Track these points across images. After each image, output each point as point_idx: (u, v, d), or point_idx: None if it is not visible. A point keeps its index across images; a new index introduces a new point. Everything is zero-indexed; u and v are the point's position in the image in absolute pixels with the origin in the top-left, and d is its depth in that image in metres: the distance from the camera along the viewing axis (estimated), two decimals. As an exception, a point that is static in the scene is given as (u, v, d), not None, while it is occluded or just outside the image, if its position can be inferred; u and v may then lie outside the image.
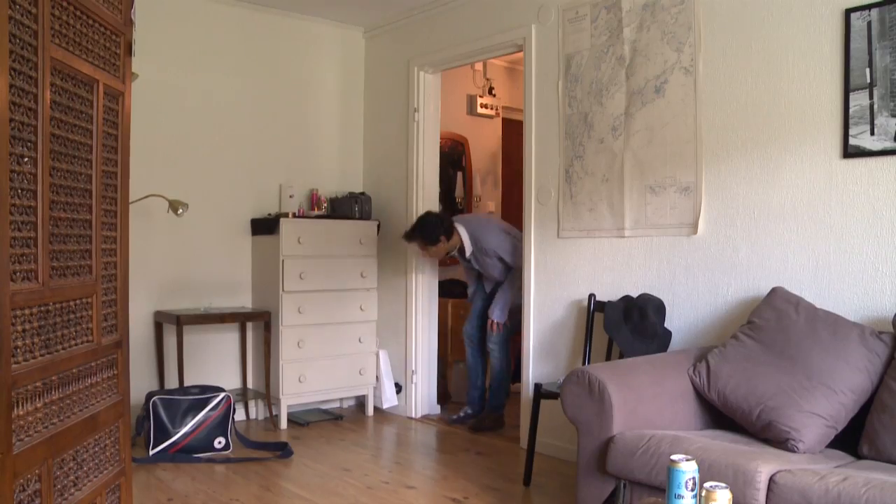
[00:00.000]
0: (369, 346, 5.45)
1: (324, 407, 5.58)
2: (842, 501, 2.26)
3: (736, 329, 3.30)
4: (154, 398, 4.34)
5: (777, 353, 3.02)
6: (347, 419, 5.35)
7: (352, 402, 5.73)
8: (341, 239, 5.28)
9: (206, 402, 4.43)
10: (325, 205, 5.50)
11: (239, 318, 5.09)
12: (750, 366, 3.04)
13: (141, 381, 4.72)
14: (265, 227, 5.20)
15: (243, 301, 5.37)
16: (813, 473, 2.42)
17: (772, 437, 2.86)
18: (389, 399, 5.46)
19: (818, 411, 2.81)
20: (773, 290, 3.27)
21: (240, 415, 5.22)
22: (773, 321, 3.13)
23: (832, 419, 2.82)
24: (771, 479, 2.46)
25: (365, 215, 5.50)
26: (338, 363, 5.31)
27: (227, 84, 5.25)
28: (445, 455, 4.53)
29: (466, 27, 5.04)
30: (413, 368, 5.41)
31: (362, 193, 5.57)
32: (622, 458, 2.81)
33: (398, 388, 5.50)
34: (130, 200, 2.64)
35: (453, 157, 6.62)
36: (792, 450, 2.77)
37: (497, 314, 4.98)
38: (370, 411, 5.50)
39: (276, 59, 5.48)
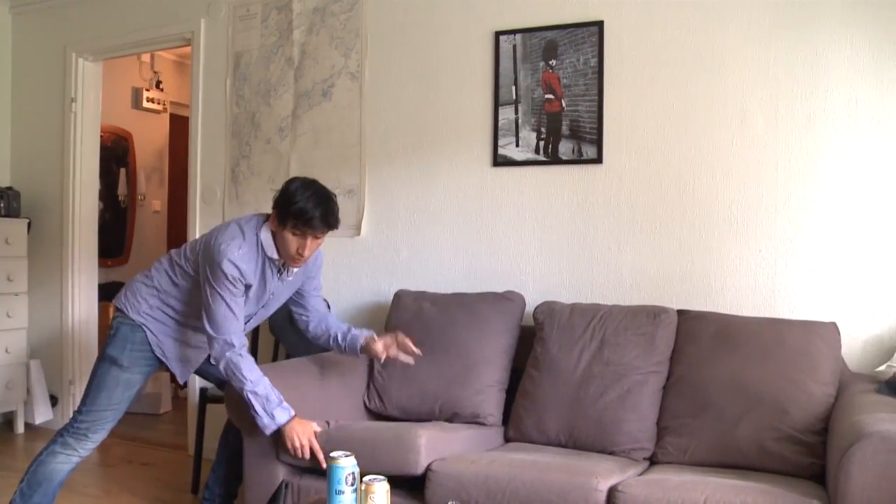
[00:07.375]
0: (18, 357, 4.95)
1: (-37, 427, 5.00)
2: (489, 483, 2.46)
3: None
4: None
5: (430, 348, 3.13)
6: (-8, 439, 4.84)
7: (-1, 420, 5.19)
8: (-16, 239, 4.76)
9: None
10: (-34, 201, 4.93)
11: None
12: (413, 372, 3.13)
13: None
14: None
15: None
16: (466, 460, 2.60)
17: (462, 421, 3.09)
18: (43, 413, 5.00)
19: (489, 383, 3.11)
20: (398, 295, 3.46)
21: None
22: (412, 321, 3.30)
23: (500, 384, 3.13)
24: (428, 468, 2.59)
25: (13, 212, 4.98)
26: (-21, 377, 4.78)
27: None
28: (107, 469, 4.26)
29: (132, 15, 4.74)
30: (71, 378, 5.00)
31: (10, 188, 5.05)
32: (288, 458, 2.82)
33: (54, 400, 5.05)
34: None
35: (117, 152, 6.25)
36: (483, 423, 3.05)
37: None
38: (20, 428, 4.99)
39: None
